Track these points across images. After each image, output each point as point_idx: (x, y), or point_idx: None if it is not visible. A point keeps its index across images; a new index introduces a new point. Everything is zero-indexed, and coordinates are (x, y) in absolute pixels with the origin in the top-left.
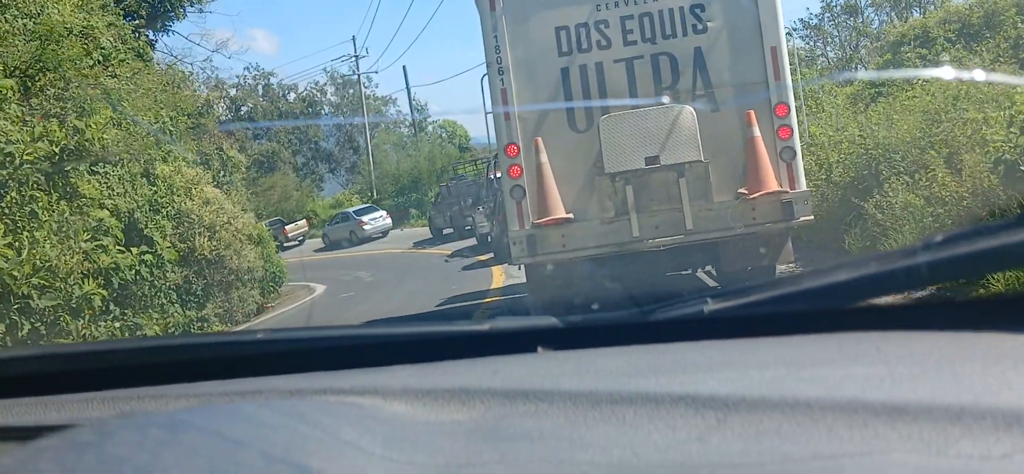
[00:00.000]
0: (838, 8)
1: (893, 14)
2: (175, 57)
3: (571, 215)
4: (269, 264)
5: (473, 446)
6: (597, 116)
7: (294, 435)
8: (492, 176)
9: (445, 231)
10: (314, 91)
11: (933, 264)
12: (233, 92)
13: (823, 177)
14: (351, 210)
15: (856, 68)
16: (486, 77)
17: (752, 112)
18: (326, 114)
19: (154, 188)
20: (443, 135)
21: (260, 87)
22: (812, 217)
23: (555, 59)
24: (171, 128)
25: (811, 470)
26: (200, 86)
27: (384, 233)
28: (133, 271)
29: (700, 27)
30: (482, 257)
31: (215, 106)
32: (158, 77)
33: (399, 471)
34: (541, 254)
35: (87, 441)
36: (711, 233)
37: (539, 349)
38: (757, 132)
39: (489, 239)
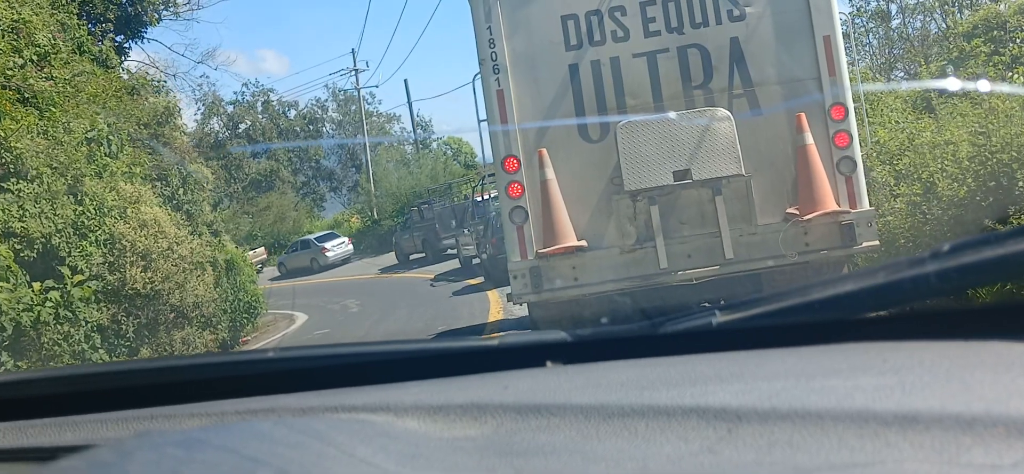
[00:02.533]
0: (868, 13)
1: (931, 17)
2: (157, 68)
3: (584, 243)
4: (243, 294)
5: (486, 462)
6: (614, 122)
7: (309, 453)
8: (479, 197)
9: (412, 256)
10: (315, 108)
11: (941, 274)
12: (230, 109)
13: (919, 193)
14: (313, 237)
15: (892, 72)
16: (479, 77)
17: (802, 115)
18: (328, 131)
19: (80, 208)
20: (448, 152)
21: (259, 104)
22: (877, 242)
23: (562, 54)
24: (110, 137)
25: None
26: (171, 92)
27: (346, 260)
28: (32, 313)
29: (737, 13)
30: (472, 281)
31: (176, 115)
32: (111, 82)
33: None
34: (547, 290)
35: (107, 461)
36: (755, 263)
37: (548, 363)
38: (809, 139)
39: (474, 262)
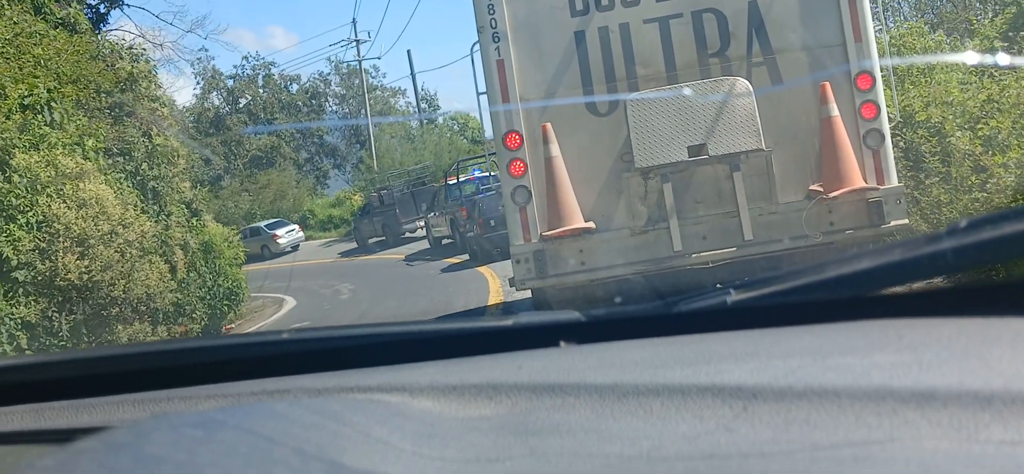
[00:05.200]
0: None
1: None
2: (145, 37)
3: (592, 224)
4: (223, 279)
5: (501, 441)
6: (624, 94)
7: (326, 433)
8: (453, 180)
9: (371, 240)
10: (318, 82)
11: (958, 250)
12: (231, 83)
13: None
14: (263, 224)
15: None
16: (477, 45)
17: (827, 85)
18: (331, 105)
19: (8, 185)
20: (454, 127)
21: (260, 77)
22: (907, 220)
23: (567, 20)
24: (51, 104)
25: (840, 457)
26: (150, 61)
27: (296, 247)
28: None
29: None
30: (454, 260)
31: (141, 81)
32: (69, 45)
33: (429, 467)
34: (553, 276)
35: (124, 442)
36: (776, 245)
37: (561, 343)
38: (834, 110)
39: (444, 243)
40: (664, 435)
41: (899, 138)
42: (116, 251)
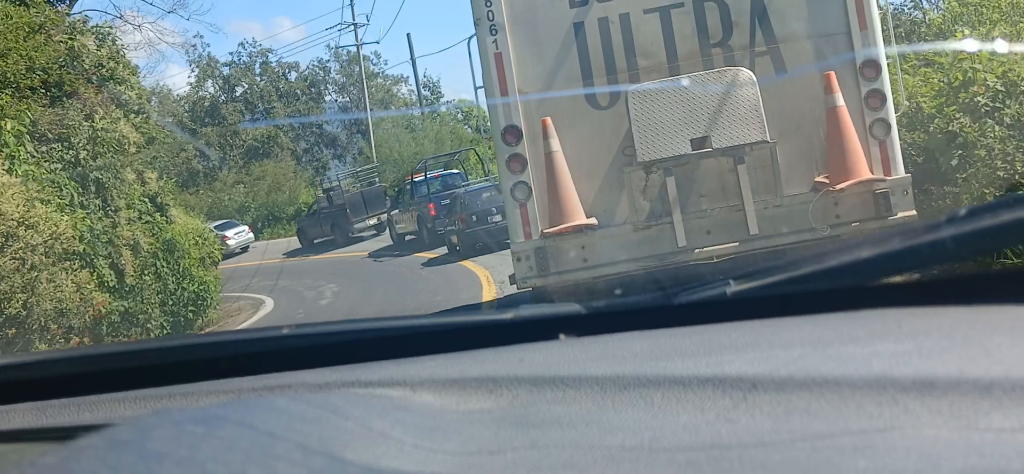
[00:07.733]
0: None
1: None
2: (121, 17)
3: (594, 220)
4: (187, 282)
5: (503, 433)
6: (625, 86)
7: (328, 427)
8: (420, 177)
9: (317, 240)
10: (317, 69)
11: (958, 238)
12: (227, 71)
13: None
14: (212, 226)
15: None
16: (474, 38)
17: (832, 74)
18: (331, 94)
19: None
20: (459, 116)
21: (257, 65)
22: (914, 212)
23: (566, 10)
24: None
25: (841, 446)
26: (118, 41)
27: (245, 248)
28: None
29: None
30: (432, 254)
31: (84, 57)
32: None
33: (431, 459)
34: (554, 273)
35: (126, 438)
36: (782, 238)
37: (561, 336)
38: (840, 100)
39: (407, 238)
40: (665, 426)
41: (1002, 113)
42: (13, 259)
